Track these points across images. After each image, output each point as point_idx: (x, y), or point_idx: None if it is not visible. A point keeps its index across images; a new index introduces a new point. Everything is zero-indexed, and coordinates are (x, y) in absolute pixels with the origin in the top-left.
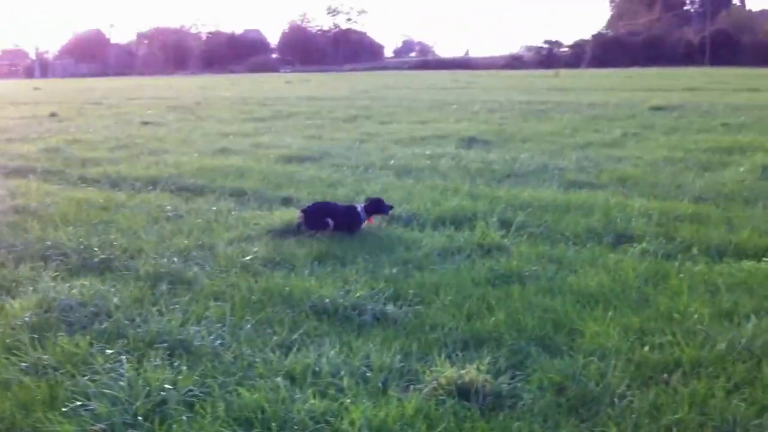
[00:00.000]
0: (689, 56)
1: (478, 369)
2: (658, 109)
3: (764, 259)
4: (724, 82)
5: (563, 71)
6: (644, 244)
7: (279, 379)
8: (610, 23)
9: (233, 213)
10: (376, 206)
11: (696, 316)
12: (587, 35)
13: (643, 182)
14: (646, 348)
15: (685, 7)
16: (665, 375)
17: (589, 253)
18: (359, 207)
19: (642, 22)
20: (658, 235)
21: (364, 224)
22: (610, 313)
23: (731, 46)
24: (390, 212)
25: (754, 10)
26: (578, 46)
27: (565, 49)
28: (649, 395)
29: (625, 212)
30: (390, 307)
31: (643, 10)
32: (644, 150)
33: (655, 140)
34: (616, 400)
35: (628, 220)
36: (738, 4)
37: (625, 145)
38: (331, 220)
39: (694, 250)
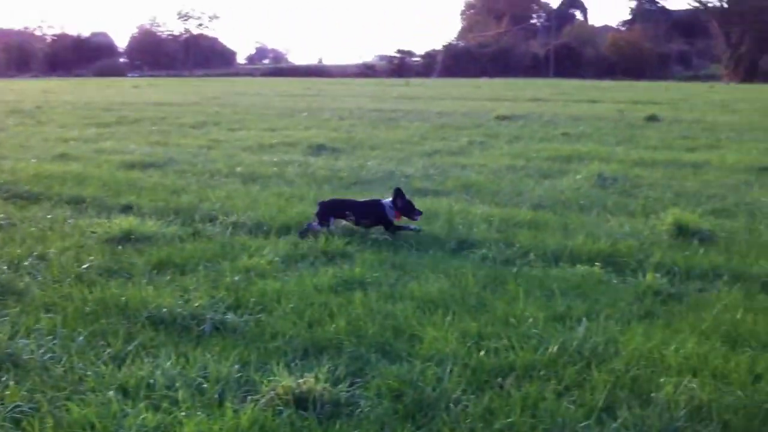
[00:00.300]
0: (535, 68)
1: (316, 378)
2: (503, 118)
3: (596, 263)
4: (566, 93)
5: (415, 80)
6: (484, 250)
7: (111, 392)
8: (461, 34)
9: (70, 221)
10: (405, 208)
11: (531, 320)
12: (439, 46)
13: (485, 189)
14: (483, 352)
15: (531, 21)
16: (499, 379)
17: (431, 259)
18: (386, 202)
19: (491, 34)
20: (498, 242)
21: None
22: (448, 319)
23: (574, 58)
24: (418, 218)
25: (596, 25)
26: (430, 56)
27: (417, 59)
28: (484, 399)
29: (467, 219)
30: (230, 316)
31: (492, 23)
32: (488, 158)
33: (499, 149)
34: (451, 405)
35: (470, 227)
36: (581, 19)
37: (470, 153)
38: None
39: (532, 256)
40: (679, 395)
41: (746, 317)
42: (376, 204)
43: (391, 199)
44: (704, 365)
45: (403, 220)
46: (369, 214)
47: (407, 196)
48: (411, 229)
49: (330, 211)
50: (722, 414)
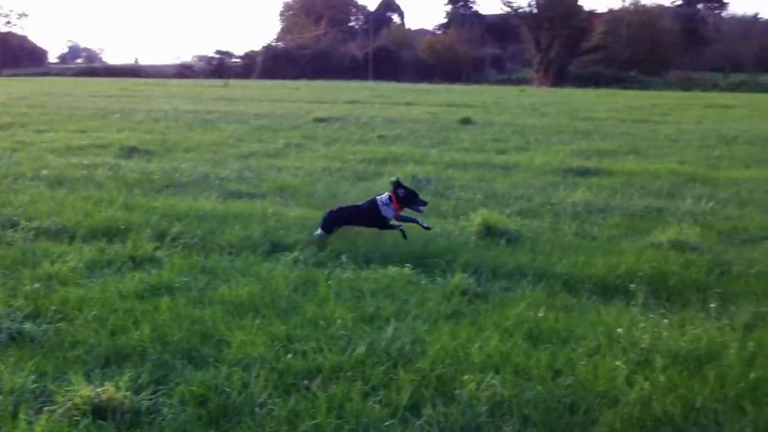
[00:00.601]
0: (355, 70)
1: (117, 386)
2: (321, 120)
3: (407, 264)
4: (384, 96)
5: (234, 81)
6: (296, 253)
7: None
8: (281, 36)
9: None
10: (407, 199)
11: (340, 321)
12: (258, 47)
13: (301, 192)
14: (290, 355)
15: (350, 24)
16: (306, 381)
17: (243, 263)
18: (380, 199)
19: (310, 36)
20: (311, 244)
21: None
22: (258, 322)
23: (392, 62)
24: (423, 209)
25: (413, 28)
26: (249, 57)
27: (237, 60)
28: (290, 402)
29: (281, 221)
30: (28, 325)
31: (310, 25)
32: (305, 160)
33: (315, 151)
34: (257, 408)
35: (284, 229)
36: (398, 22)
37: (286, 155)
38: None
39: (344, 258)
40: (481, 392)
41: (548, 315)
42: (371, 205)
43: (387, 194)
44: (506, 362)
45: (407, 213)
46: (367, 219)
47: (404, 188)
48: (418, 223)
49: (336, 222)
50: (522, 409)
